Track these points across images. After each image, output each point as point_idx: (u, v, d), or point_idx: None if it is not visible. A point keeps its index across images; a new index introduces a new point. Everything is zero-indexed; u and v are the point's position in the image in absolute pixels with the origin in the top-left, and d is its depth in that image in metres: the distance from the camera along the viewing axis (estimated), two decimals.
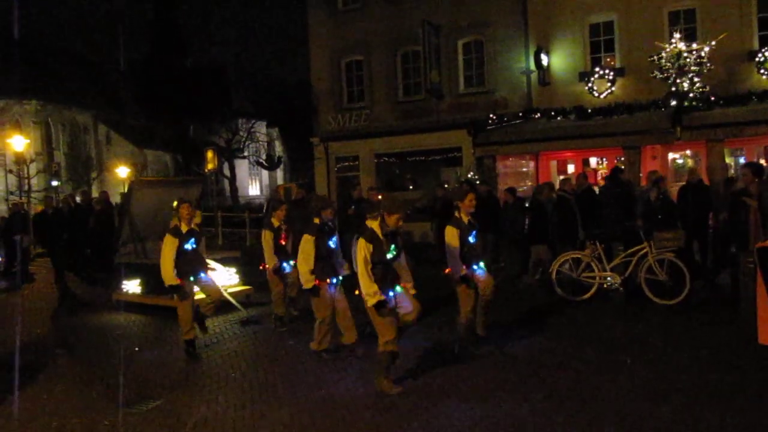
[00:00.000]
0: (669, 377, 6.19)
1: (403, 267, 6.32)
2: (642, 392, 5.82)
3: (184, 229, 7.89)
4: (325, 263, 7.17)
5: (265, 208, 14.32)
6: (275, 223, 8.92)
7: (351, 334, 7.32)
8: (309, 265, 7.03)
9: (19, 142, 26.92)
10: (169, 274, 7.62)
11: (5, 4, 41.71)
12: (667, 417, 5.23)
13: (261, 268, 9.02)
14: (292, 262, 8.78)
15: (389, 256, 6.05)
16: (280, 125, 45.57)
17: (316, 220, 7.37)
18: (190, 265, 7.86)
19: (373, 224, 6.09)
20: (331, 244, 7.32)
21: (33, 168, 33.17)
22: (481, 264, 7.45)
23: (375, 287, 5.86)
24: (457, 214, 7.30)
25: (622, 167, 13.87)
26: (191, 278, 7.88)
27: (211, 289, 8.30)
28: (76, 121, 45.70)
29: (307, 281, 7.06)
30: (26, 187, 30.00)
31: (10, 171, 34.71)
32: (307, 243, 7.08)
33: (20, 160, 30.63)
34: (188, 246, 7.86)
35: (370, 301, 5.88)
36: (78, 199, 18.45)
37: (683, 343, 7.40)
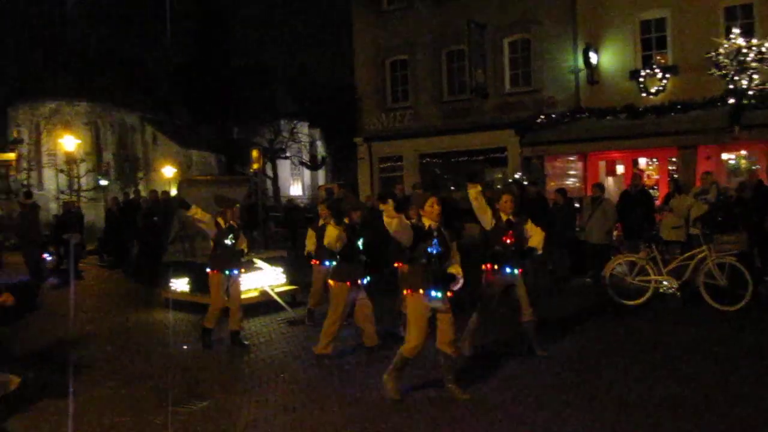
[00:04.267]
0: (732, 387, 5.89)
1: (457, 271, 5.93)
2: (703, 403, 5.54)
3: (223, 224, 8.16)
4: (348, 264, 7.13)
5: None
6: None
7: (373, 338, 7.34)
8: (333, 235, 7.04)
9: (70, 143, 27.60)
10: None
11: (58, 9, 42.70)
12: (732, 429, 4.96)
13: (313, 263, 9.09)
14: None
15: (431, 250, 5.79)
16: (323, 125, 45.71)
17: (346, 220, 7.37)
18: (226, 259, 8.12)
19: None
20: (359, 245, 7.25)
21: (83, 168, 33.96)
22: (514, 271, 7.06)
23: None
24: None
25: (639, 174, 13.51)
26: (226, 272, 8.09)
27: (234, 292, 8.26)
28: (124, 122, 46.66)
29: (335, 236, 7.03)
30: (76, 186, 30.70)
31: (61, 170, 35.63)
32: (334, 230, 7.10)
33: (71, 159, 31.42)
34: (228, 241, 8.14)
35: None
36: (131, 196, 18.83)
37: (745, 351, 7.08)
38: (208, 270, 8.29)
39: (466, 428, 5.21)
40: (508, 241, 7.02)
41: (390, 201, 5.45)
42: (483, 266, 7.12)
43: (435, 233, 5.82)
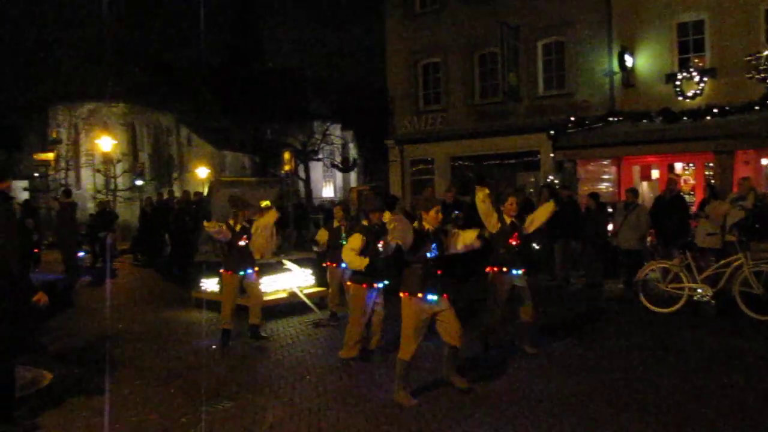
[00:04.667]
0: (764, 399, 5.74)
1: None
2: (739, 415, 5.40)
3: (237, 227, 8.43)
4: (368, 266, 7.00)
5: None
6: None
7: (378, 339, 7.35)
8: (357, 261, 6.85)
9: (107, 143, 28.06)
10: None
11: (96, 10, 43.49)
12: None
13: None
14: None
15: (429, 254, 5.84)
16: (355, 128, 45.85)
17: (365, 222, 7.34)
18: (239, 259, 8.37)
19: (416, 224, 5.95)
20: (379, 248, 7.11)
21: (119, 168, 34.55)
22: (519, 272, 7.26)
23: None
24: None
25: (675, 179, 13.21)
26: (240, 273, 8.37)
27: (253, 290, 8.55)
28: (159, 123, 47.35)
29: (359, 263, 6.86)
30: (113, 186, 31.24)
31: (98, 170, 36.29)
32: (355, 239, 6.98)
33: (108, 160, 31.97)
34: (241, 242, 8.42)
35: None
36: (164, 196, 19.12)
37: None
38: (221, 270, 8.59)
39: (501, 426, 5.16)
40: (513, 243, 7.19)
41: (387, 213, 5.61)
42: (487, 269, 7.31)
43: (433, 237, 5.91)
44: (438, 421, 5.45)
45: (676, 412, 5.51)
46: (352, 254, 6.87)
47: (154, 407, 6.02)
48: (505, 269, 7.17)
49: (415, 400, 5.84)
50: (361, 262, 6.83)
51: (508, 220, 7.24)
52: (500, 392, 6.10)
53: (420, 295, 5.78)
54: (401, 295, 5.92)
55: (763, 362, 6.95)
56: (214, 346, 8.29)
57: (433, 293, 5.84)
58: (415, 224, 5.93)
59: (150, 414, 5.85)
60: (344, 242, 8.55)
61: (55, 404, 6.10)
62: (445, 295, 5.95)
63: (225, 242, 8.45)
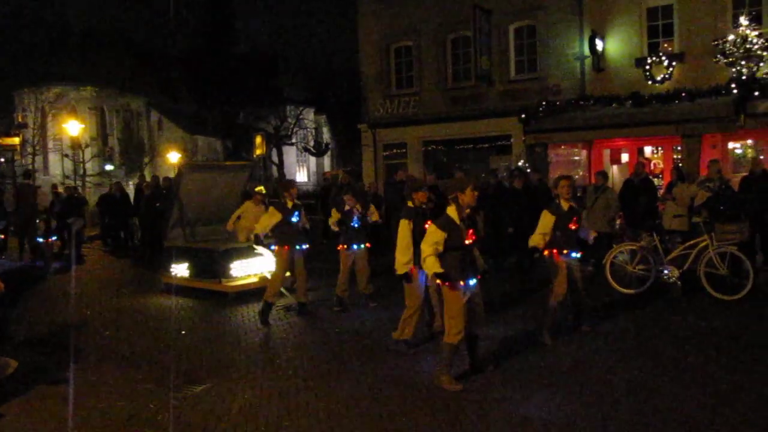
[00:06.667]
0: (735, 377, 5.87)
1: (477, 257, 6.17)
2: (704, 391, 5.52)
3: (289, 204, 8.80)
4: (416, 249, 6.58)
5: (333, 192, 14.31)
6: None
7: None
8: (408, 254, 6.66)
9: (74, 127, 27.52)
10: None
11: None
12: (735, 419, 4.94)
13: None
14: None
15: (468, 241, 5.83)
16: (328, 112, 45.59)
17: (410, 204, 7.16)
18: (293, 235, 8.77)
19: (450, 209, 5.85)
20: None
21: (88, 153, 33.99)
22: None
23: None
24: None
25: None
26: (297, 247, 8.80)
27: (300, 266, 8.97)
28: (129, 107, 46.65)
29: (401, 266, 6.73)
30: (81, 171, 30.74)
31: (66, 155, 35.68)
32: (403, 229, 6.74)
33: (76, 144, 31.39)
34: (294, 218, 8.79)
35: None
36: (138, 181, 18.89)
37: (745, 341, 7.05)
38: (275, 247, 8.90)
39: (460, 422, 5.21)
40: (573, 227, 7.24)
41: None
42: (545, 252, 7.24)
43: (468, 222, 5.86)
44: (406, 401, 5.48)
45: (640, 390, 5.61)
46: (400, 255, 6.71)
47: (121, 394, 5.97)
48: (565, 251, 7.20)
49: (459, 384, 5.79)
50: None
51: (565, 206, 7.25)
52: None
53: (462, 283, 5.79)
54: (443, 284, 5.79)
55: (725, 340, 7.09)
56: (183, 332, 8.23)
57: (472, 278, 5.90)
58: (450, 209, 5.86)
59: (117, 401, 5.79)
60: (356, 225, 8.91)
61: (21, 392, 6.01)
62: (478, 275, 6.00)
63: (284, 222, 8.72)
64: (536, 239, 7.17)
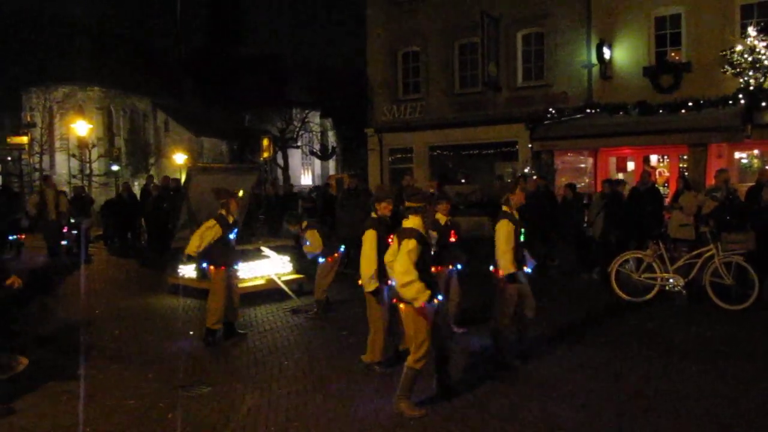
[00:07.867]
0: (739, 387, 5.89)
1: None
2: (707, 402, 5.55)
3: (230, 220, 7.96)
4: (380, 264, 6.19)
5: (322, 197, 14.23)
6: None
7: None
8: (373, 267, 6.21)
9: (82, 128, 27.67)
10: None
11: None
12: (739, 427, 4.97)
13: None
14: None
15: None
16: (334, 115, 45.72)
17: (374, 215, 6.64)
18: (230, 254, 7.97)
19: (415, 221, 5.39)
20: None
21: (95, 153, 34.14)
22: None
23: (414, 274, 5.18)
24: (506, 208, 6.39)
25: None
26: (233, 267, 8.03)
27: (235, 286, 8.12)
28: (136, 108, 46.85)
29: (369, 283, 6.26)
30: (88, 171, 30.87)
31: (73, 155, 35.83)
32: (370, 240, 6.30)
33: (83, 144, 31.55)
34: (232, 236, 7.98)
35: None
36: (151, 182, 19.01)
37: (749, 352, 7.06)
38: (211, 267, 7.90)
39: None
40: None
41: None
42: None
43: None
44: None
45: (639, 397, 5.64)
46: (365, 268, 6.22)
47: (130, 392, 6.02)
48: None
49: (421, 410, 5.33)
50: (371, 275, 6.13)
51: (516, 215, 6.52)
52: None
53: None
54: (407, 307, 5.32)
55: (729, 349, 7.12)
56: (191, 332, 8.28)
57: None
58: (413, 220, 5.42)
59: (127, 399, 5.84)
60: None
61: (31, 389, 6.07)
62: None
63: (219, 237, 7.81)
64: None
